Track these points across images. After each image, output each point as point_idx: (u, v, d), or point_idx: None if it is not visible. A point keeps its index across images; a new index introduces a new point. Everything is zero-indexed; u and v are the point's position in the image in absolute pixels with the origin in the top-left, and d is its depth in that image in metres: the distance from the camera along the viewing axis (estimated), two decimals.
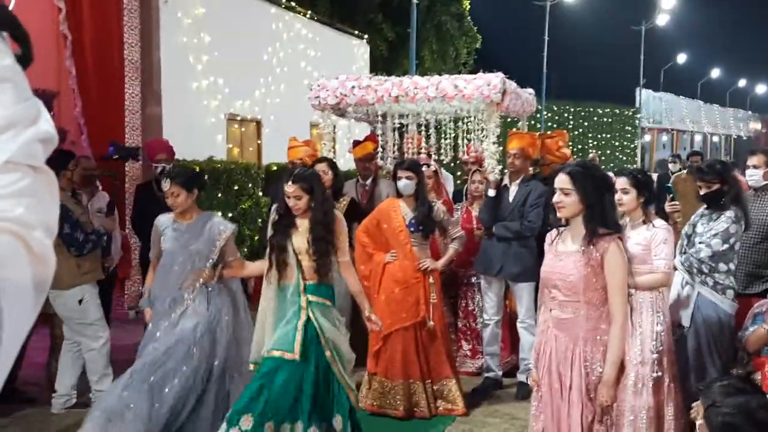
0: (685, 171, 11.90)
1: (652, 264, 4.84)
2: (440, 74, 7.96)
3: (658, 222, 4.96)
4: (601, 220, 3.88)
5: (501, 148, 7.60)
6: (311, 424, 4.77)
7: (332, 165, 6.92)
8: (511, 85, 7.67)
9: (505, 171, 7.19)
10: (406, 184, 6.34)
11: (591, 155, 17.62)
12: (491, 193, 6.90)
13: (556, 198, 3.96)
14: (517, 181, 6.90)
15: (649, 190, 4.94)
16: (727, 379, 3.33)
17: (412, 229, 6.38)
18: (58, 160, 6.50)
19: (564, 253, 3.98)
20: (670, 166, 13.79)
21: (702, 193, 5.36)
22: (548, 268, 4.04)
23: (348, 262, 5.19)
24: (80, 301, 6.39)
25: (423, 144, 8.25)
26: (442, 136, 8.25)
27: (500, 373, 7.17)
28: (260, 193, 11.77)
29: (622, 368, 3.98)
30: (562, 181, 3.95)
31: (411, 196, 6.39)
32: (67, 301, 6.36)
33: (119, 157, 7.70)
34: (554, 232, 4.14)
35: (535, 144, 7.16)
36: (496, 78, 7.33)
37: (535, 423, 4.18)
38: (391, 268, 6.41)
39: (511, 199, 6.86)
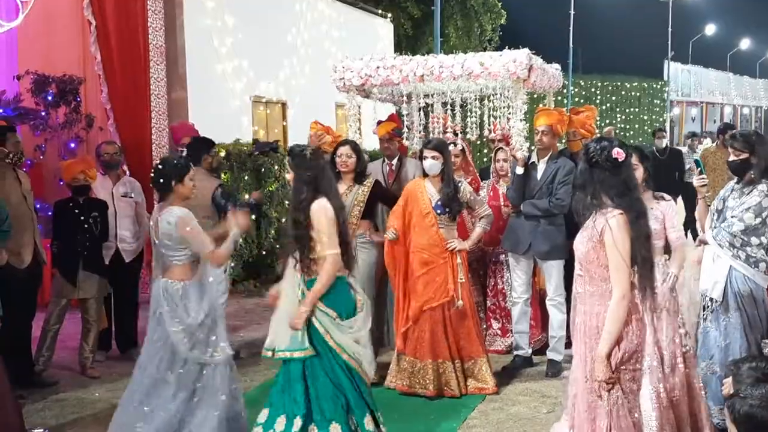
0: (714, 144, 11.80)
1: (664, 238, 4.98)
2: (465, 51, 7.91)
3: (668, 196, 5.17)
4: (604, 195, 3.90)
5: (528, 124, 7.55)
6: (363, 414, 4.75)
7: (355, 148, 6.82)
8: (537, 60, 7.58)
9: (533, 148, 7.13)
10: (432, 164, 6.31)
11: (606, 129, 17.45)
12: (519, 170, 6.84)
13: None
14: (545, 159, 6.83)
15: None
16: (758, 360, 3.30)
17: (438, 210, 6.36)
18: (200, 146, 7.14)
19: (583, 229, 4.03)
20: (657, 142, 13.62)
21: (730, 159, 5.32)
22: (575, 242, 4.08)
23: (330, 256, 4.74)
24: (225, 271, 6.78)
25: (449, 122, 8.21)
26: (468, 114, 8.20)
27: (530, 351, 7.16)
28: (286, 175, 11.76)
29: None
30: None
31: (437, 176, 6.36)
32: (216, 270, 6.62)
33: (260, 153, 7.79)
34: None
35: (563, 120, 7.08)
36: (522, 54, 7.24)
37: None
38: (418, 250, 6.39)
39: (539, 176, 6.80)
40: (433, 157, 6.29)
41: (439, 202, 6.34)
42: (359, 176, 6.71)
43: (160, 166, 5.13)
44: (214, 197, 7.00)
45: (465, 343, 6.38)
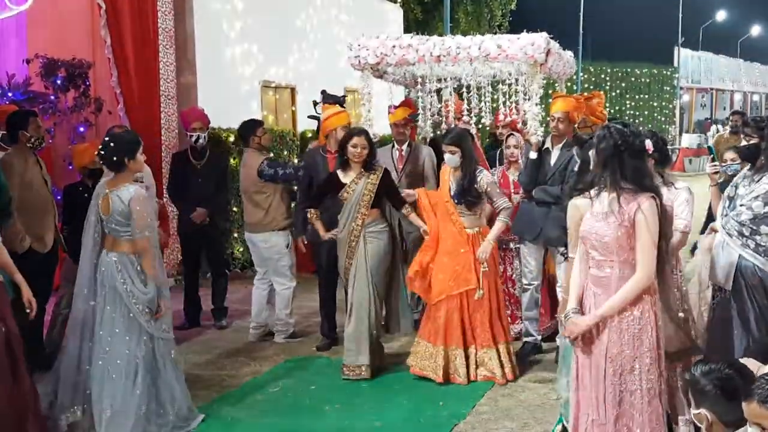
0: (727, 131, 11.75)
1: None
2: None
3: (680, 183, 5.15)
4: (631, 180, 3.97)
5: (542, 110, 7.45)
6: None
7: (369, 138, 6.74)
8: (554, 45, 7.48)
9: (545, 133, 7.09)
10: (450, 158, 6.40)
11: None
12: (533, 155, 6.81)
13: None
14: (560, 145, 6.78)
15: (658, 151, 5.03)
16: (710, 365, 3.36)
17: (455, 200, 6.41)
18: (248, 128, 7.61)
19: (600, 213, 4.06)
20: None
21: (741, 145, 5.31)
22: (587, 228, 4.12)
23: None
24: (287, 246, 7.59)
25: (464, 107, 8.11)
26: (482, 99, 8.08)
27: (539, 337, 7.15)
28: (296, 160, 11.76)
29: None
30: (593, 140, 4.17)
31: (459, 167, 6.42)
32: (277, 242, 7.54)
33: (326, 103, 7.76)
34: (594, 191, 4.21)
35: (580, 107, 7.00)
36: (540, 38, 7.11)
37: (576, 369, 4.26)
38: (442, 237, 6.47)
39: (552, 162, 6.76)
40: (450, 152, 6.37)
41: (456, 192, 6.42)
42: (368, 164, 6.67)
43: (111, 144, 5.24)
44: (261, 171, 7.36)
45: (480, 331, 6.39)
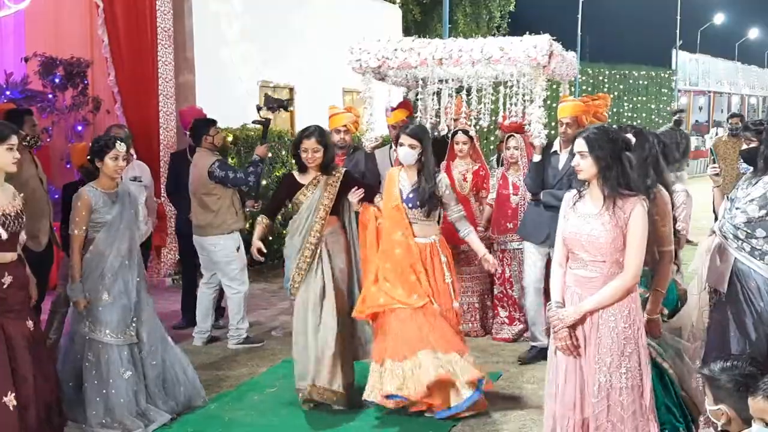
0: (726, 133, 11.77)
1: None
2: (475, 38, 7.77)
3: (677, 186, 5.19)
4: (623, 182, 3.99)
5: (545, 111, 7.41)
6: None
7: (321, 140, 5.88)
8: (557, 47, 7.40)
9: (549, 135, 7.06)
10: (407, 152, 5.52)
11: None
12: (536, 158, 6.77)
13: (574, 161, 4.10)
14: (568, 149, 6.72)
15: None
16: (731, 361, 3.36)
17: (409, 204, 5.59)
18: (201, 126, 7.40)
19: (588, 215, 4.06)
20: None
21: (742, 148, 5.32)
22: (574, 230, 4.09)
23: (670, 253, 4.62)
24: (238, 249, 7.36)
25: (464, 109, 8.08)
26: (481, 100, 8.04)
27: (546, 341, 7.07)
28: (293, 161, 11.73)
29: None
30: (579, 144, 4.07)
31: (413, 166, 5.61)
32: (227, 245, 7.29)
33: (268, 108, 7.65)
34: (573, 193, 4.22)
35: (588, 111, 6.94)
36: (543, 40, 7.02)
37: (551, 360, 4.28)
38: (389, 245, 5.61)
39: (560, 166, 6.71)
40: (410, 146, 5.50)
41: (410, 195, 5.58)
42: (326, 167, 5.95)
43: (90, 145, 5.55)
44: (211, 172, 7.14)
45: (437, 336, 5.48)
